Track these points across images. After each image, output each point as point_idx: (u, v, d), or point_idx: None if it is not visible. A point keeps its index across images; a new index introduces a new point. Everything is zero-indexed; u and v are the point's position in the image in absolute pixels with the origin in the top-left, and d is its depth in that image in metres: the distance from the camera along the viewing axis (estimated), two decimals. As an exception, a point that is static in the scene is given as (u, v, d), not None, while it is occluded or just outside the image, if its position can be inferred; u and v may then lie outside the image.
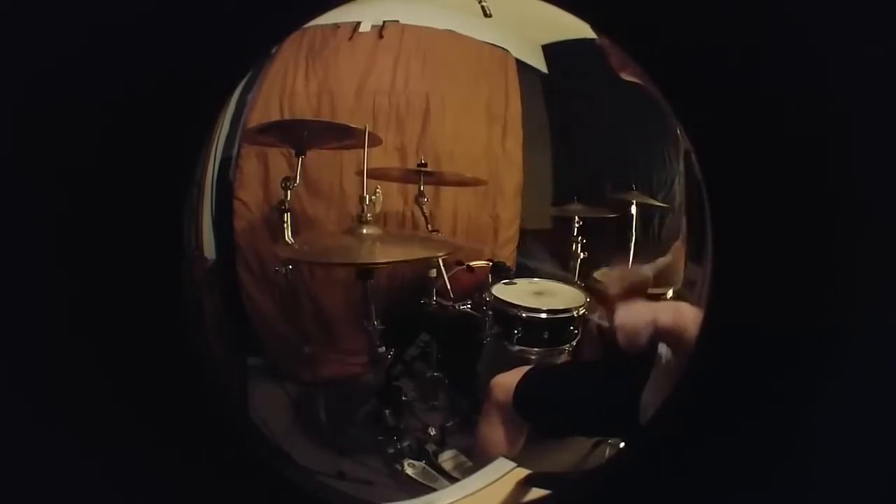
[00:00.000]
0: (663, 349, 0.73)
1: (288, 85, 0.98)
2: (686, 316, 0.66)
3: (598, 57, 0.70)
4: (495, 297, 0.97)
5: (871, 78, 0.47)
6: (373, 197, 0.94)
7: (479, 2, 0.94)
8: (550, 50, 0.98)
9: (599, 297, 0.92)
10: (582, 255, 1.04)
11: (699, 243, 0.64)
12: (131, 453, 0.51)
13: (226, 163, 0.98)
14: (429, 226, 1.03)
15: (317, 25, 0.94)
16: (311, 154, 0.97)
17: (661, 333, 0.70)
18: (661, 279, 0.86)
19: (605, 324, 0.84)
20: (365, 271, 0.97)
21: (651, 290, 0.86)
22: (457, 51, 1.02)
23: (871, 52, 0.46)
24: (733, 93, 0.47)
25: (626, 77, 0.65)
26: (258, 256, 1.01)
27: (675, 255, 0.86)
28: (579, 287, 1.00)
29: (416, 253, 0.99)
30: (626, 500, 0.56)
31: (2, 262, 0.46)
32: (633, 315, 0.74)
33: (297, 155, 0.95)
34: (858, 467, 0.51)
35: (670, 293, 0.83)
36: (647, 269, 0.88)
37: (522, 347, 0.94)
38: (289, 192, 0.93)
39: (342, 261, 0.97)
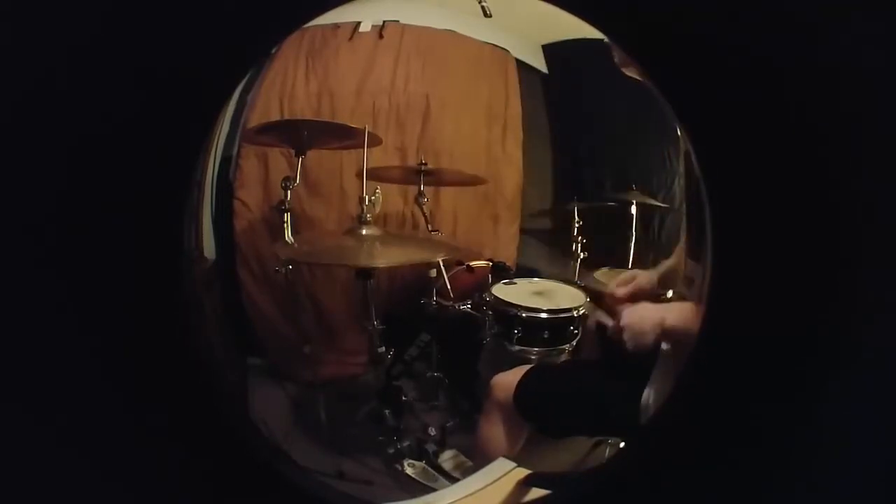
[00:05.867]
0: (665, 346, 0.73)
1: (288, 85, 0.98)
2: (691, 316, 0.67)
3: (599, 57, 0.70)
4: (495, 297, 0.97)
5: (871, 78, 0.47)
6: (373, 197, 0.94)
7: (479, 2, 0.94)
8: (550, 50, 0.98)
9: (602, 298, 0.92)
10: (582, 255, 1.04)
11: (699, 243, 0.64)
12: (131, 453, 0.51)
13: (226, 163, 0.97)
14: (429, 226, 1.03)
15: (317, 25, 0.94)
16: (311, 154, 0.96)
17: (667, 334, 0.71)
18: (665, 282, 0.87)
19: (609, 323, 0.84)
20: (365, 272, 0.97)
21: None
22: (457, 51, 1.01)
23: (871, 53, 0.46)
24: (733, 93, 0.47)
25: (628, 73, 0.66)
26: (258, 256, 1.01)
27: (677, 257, 0.86)
28: (579, 287, 0.99)
29: (416, 255, 0.99)
30: (626, 500, 0.56)
31: (2, 262, 0.46)
32: (641, 316, 0.74)
33: (297, 155, 0.95)
34: (859, 468, 0.50)
35: (670, 293, 0.83)
36: (653, 274, 0.89)
37: (522, 347, 0.94)
38: (289, 192, 0.93)
39: (342, 262, 0.97)
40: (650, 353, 0.73)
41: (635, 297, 0.83)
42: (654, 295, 0.83)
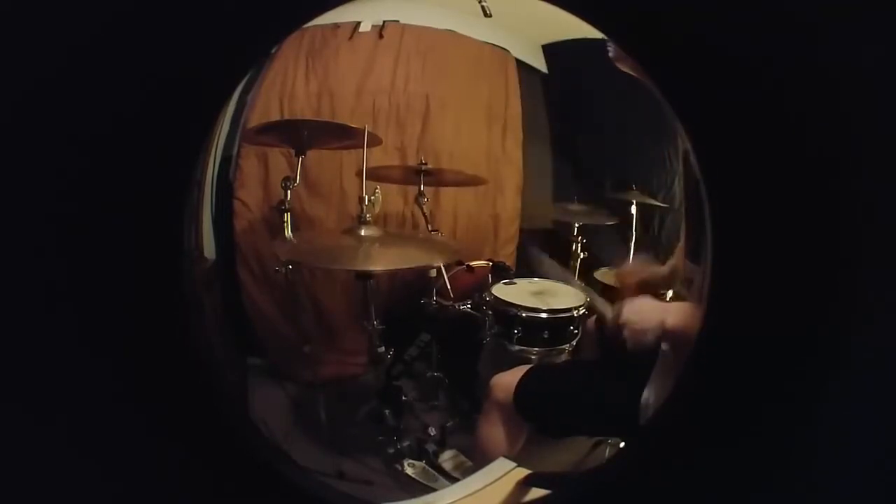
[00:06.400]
0: (664, 347, 0.73)
1: (288, 85, 0.98)
2: (691, 317, 0.66)
3: (599, 57, 0.70)
4: (495, 296, 0.97)
5: (871, 77, 0.47)
6: (372, 197, 0.94)
7: (479, 2, 0.94)
8: (550, 50, 0.98)
9: (608, 291, 0.92)
10: (582, 255, 1.04)
11: (698, 243, 0.64)
12: (131, 453, 0.51)
13: (226, 163, 0.98)
14: (429, 226, 1.03)
15: (317, 25, 0.94)
16: (311, 154, 0.97)
17: (668, 334, 0.70)
18: (668, 281, 0.87)
19: (609, 316, 0.83)
20: (364, 272, 0.97)
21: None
22: (457, 51, 1.02)
23: (871, 53, 0.46)
24: (733, 93, 0.47)
25: (628, 73, 0.66)
26: (258, 256, 1.01)
27: (678, 257, 0.86)
28: (579, 287, 1.00)
29: (416, 257, 0.99)
30: (626, 500, 0.56)
31: (2, 262, 0.46)
32: (643, 313, 0.74)
33: (297, 155, 0.95)
34: (859, 468, 0.50)
35: (670, 294, 0.83)
36: (663, 269, 0.89)
37: (522, 347, 0.94)
38: (289, 192, 0.93)
39: (341, 264, 0.97)
40: (649, 351, 0.73)
41: (642, 290, 0.83)
42: (658, 288, 0.83)
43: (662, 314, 0.72)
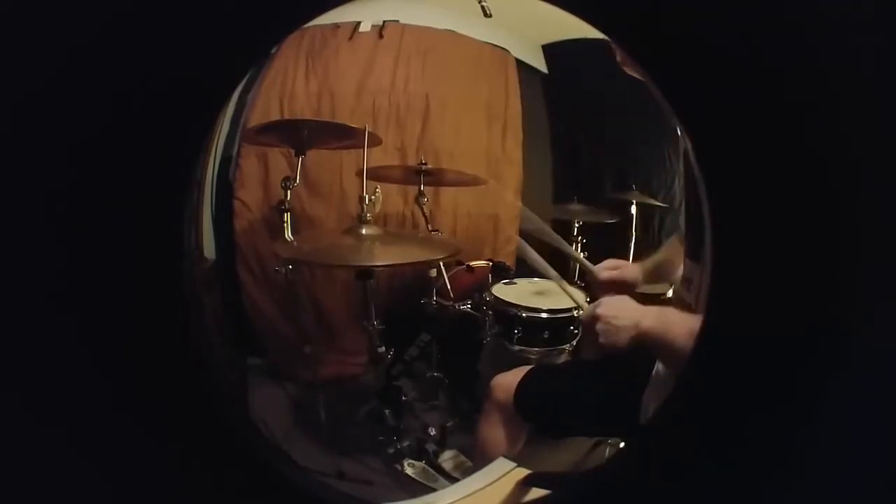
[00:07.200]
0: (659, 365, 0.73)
1: (288, 85, 0.98)
2: (674, 322, 0.65)
3: (599, 57, 0.70)
4: (495, 296, 0.97)
5: (871, 78, 0.47)
6: (372, 197, 0.94)
7: (479, 2, 0.94)
8: (550, 50, 0.98)
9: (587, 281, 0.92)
10: (582, 255, 1.04)
11: (698, 242, 0.64)
12: (131, 453, 0.51)
13: (226, 163, 0.97)
14: (429, 226, 1.03)
15: (317, 25, 0.94)
16: (311, 154, 0.97)
17: (644, 336, 0.69)
18: (655, 276, 0.86)
19: (584, 308, 0.83)
20: (365, 271, 0.97)
21: (648, 290, 0.86)
22: (457, 51, 1.02)
23: (871, 53, 0.46)
24: (733, 93, 0.47)
25: (628, 73, 0.66)
26: (258, 256, 1.01)
27: (671, 253, 0.86)
28: (579, 287, 1.00)
29: (416, 254, 0.99)
30: (626, 500, 0.57)
31: (2, 262, 0.46)
32: (617, 310, 0.73)
33: (297, 155, 0.95)
34: (859, 468, 0.51)
35: (670, 292, 0.83)
36: (638, 268, 0.88)
37: (522, 347, 0.94)
38: (289, 192, 0.93)
39: (342, 262, 0.97)
40: (624, 352, 0.71)
41: (619, 288, 0.82)
42: (636, 289, 0.83)
43: (639, 316, 0.70)
